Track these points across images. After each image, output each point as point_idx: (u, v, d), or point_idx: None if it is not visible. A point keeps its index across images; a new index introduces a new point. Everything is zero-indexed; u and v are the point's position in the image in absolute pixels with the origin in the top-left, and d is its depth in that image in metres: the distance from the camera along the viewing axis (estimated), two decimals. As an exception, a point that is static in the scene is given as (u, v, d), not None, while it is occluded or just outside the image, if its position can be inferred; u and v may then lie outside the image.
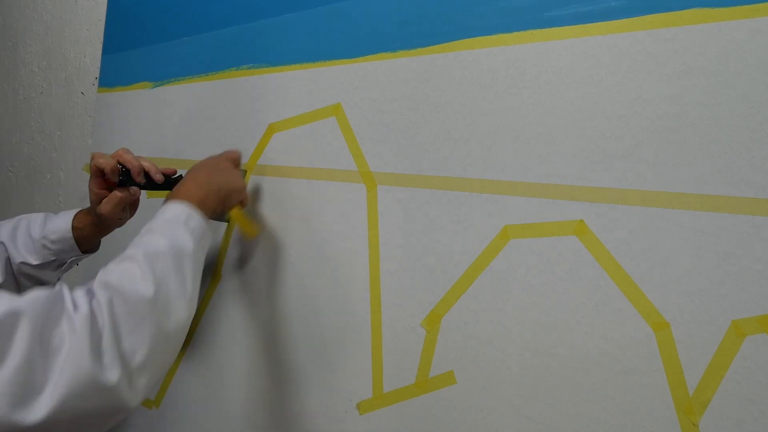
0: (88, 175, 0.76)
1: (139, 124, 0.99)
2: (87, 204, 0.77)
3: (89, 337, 0.47)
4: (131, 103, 1.01)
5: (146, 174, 0.74)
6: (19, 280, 0.78)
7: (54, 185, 1.22)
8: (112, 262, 0.57)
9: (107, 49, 1.08)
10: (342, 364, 0.70)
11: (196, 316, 0.87)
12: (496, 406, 0.58)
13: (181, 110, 0.92)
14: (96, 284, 0.53)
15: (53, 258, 0.77)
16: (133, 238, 0.62)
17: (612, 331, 0.52)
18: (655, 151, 0.51)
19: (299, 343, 0.75)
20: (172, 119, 0.94)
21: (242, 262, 0.82)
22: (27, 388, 0.44)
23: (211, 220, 0.69)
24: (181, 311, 0.57)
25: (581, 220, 0.54)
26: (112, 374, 0.48)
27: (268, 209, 0.80)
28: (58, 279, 0.81)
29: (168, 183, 0.76)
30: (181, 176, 0.76)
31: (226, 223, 0.84)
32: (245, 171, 0.82)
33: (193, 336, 0.88)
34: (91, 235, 0.78)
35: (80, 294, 0.51)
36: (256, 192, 0.82)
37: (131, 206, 0.79)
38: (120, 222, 0.77)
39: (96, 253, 0.82)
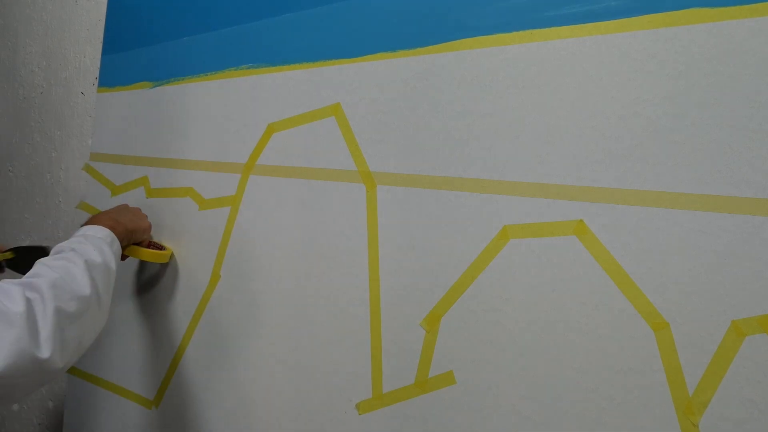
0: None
1: (139, 124, 0.99)
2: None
3: (27, 327, 0.57)
4: (131, 103, 1.01)
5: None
6: None
7: (54, 185, 1.22)
8: (53, 259, 0.69)
9: (107, 49, 1.08)
10: (341, 364, 0.70)
11: (194, 316, 0.87)
12: (496, 406, 0.58)
13: (181, 110, 0.92)
14: (41, 281, 0.63)
15: None
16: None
17: (612, 331, 0.52)
18: (655, 151, 0.50)
19: (298, 343, 0.75)
20: (172, 119, 0.94)
21: (241, 262, 0.82)
22: None
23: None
24: (102, 315, 0.71)
25: (581, 220, 0.54)
26: (47, 354, 0.58)
27: (267, 209, 0.80)
28: None
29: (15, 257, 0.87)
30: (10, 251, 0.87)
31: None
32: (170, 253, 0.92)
33: (192, 336, 0.88)
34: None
35: (18, 290, 0.60)
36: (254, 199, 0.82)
37: None
38: None
39: None
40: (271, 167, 0.80)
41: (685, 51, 0.50)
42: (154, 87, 0.97)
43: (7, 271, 0.86)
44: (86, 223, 0.81)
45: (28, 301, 0.59)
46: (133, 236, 0.85)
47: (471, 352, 0.60)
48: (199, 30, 0.91)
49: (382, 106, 0.69)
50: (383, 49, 0.69)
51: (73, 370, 1.06)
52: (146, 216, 0.91)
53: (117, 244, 0.79)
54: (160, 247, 0.91)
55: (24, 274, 0.71)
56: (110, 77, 1.06)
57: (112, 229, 0.80)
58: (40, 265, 0.68)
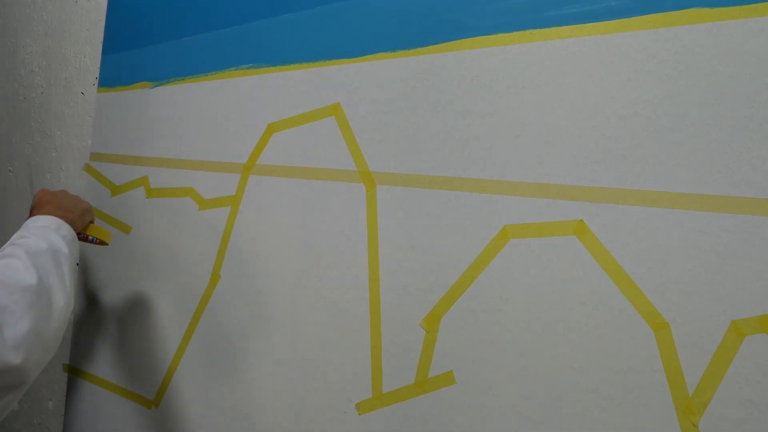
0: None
1: (139, 124, 0.99)
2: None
3: None
4: (131, 103, 1.01)
5: None
6: None
7: (54, 185, 1.22)
8: None
9: (107, 49, 1.08)
10: (341, 364, 0.70)
11: (194, 316, 0.87)
12: (496, 406, 0.58)
13: (181, 110, 0.93)
14: None
15: None
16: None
17: (612, 331, 0.52)
18: (655, 151, 0.50)
19: (298, 343, 0.75)
20: (172, 119, 0.94)
21: (240, 262, 0.82)
22: None
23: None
24: (61, 301, 0.66)
25: (581, 220, 0.54)
26: (10, 357, 0.56)
27: (267, 209, 0.80)
28: None
29: None
30: None
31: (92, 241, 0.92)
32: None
33: (192, 336, 0.88)
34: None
35: None
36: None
37: None
38: None
39: None
40: (271, 167, 0.80)
41: (685, 51, 0.50)
42: (154, 87, 0.97)
43: None
44: (29, 216, 0.78)
45: None
46: (85, 217, 0.84)
47: (471, 352, 0.60)
48: (199, 30, 0.91)
49: (382, 106, 0.69)
50: (383, 49, 0.69)
51: (73, 370, 1.07)
52: (79, 196, 0.90)
53: (66, 228, 0.76)
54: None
55: None
56: (110, 77, 1.06)
57: (62, 217, 0.78)
58: None
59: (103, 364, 1.01)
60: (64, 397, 1.09)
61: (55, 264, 0.68)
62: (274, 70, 0.81)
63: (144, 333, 0.94)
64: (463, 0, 0.63)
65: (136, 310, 0.96)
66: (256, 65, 0.83)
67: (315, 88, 0.76)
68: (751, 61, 0.47)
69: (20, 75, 1.32)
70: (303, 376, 0.74)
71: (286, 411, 0.75)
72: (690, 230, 0.48)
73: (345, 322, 0.70)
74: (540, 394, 0.55)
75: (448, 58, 0.64)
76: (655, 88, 0.51)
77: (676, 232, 0.49)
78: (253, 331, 0.80)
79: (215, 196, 0.86)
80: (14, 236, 0.71)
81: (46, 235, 0.71)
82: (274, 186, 0.79)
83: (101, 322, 1.02)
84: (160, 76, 0.97)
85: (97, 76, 1.11)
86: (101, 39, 1.09)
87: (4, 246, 0.69)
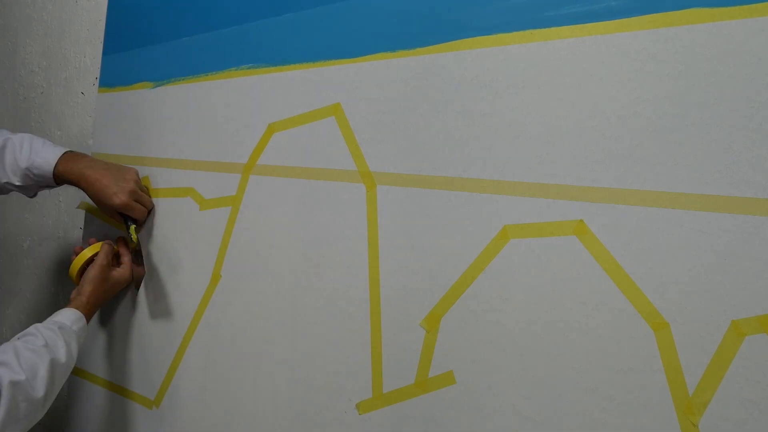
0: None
1: (139, 124, 0.99)
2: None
3: None
4: (131, 103, 1.01)
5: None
6: (3, 189, 0.92)
7: (54, 185, 1.22)
8: (24, 346, 0.72)
9: (107, 49, 1.08)
10: (341, 364, 0.70)
11: (195, 316, 0.87)
12: (496, 406, 0.58)
13: (181, 110, 0.92)
14: (4, 375, 0.67)
15: (33, 183, 0.90)
16: None
17: (612, 331, 0.52)
18: (655, 151, 0.50)
19: (298, 343, 0.75)
20: (172, 119, 0.94)
21: (241, 262, 0.82)
22: None
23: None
24: (44, 411, 0.74)
25: (581, 220, 0.54)
26: None
27: (267, 209, 0.80)
28: (35, 194, 0.95)
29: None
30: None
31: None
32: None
33: (193, 336, 0.88)
34: (69, 181, 0.89)
35: None
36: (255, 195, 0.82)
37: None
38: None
39: None
40: (271, 167, 0.80)
41: (685, 51, 0.50)
42: (155, 87, 0.97)
43: None
44: (73, 303, 0.85)
45: None
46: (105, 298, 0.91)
47: (471, 352, 0.60)
48: (199, 30, 0.91)
49: (382, 106, 0.69)
50: (383, 49, 0.69)
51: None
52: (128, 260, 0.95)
53: (85, 331, 0.84)
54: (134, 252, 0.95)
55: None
56: (110, 77, 1.06)
57: (87, 313, 0.84)
58: (12, 347, 0.71)
59: (104, 364, 1.01)
60: (65, 396, 1.09)
61: (61, 378, 0.77)
62: (274, 70, 0.81)
63: (145, 333, 0.95)
64: (463, 0, 0.63)
65: (137, 309, 0.96)
66: (256, 65, 0.83)
67: (315, 88, 0.76)
68: (751, 61, 0.47)
69: (20, 75, 1.32)
70: (303, 376, 0.74)
71: (286, 411, 0.75)
72: (690, 230, 0.48)
73: (345, 322, 0.70)
74: (540, 394, 0.55)
75: (448, 58, 0.64)
76: (655, 88, 0.51)
77: (676, 232, 0.49)
78: (253, 331, 0.80)
79: (216, 196, 0.86)
80: (49, 328, 0.77)
81: (71, 344, 0.78)
82: (274, 186, 0.79)
83: (102, 322, 1.02)
84: (160, 76, 0.97)
85: (97, 76, 1.11)
86: (101, 39, 1.09)
87: (38, 329, 0.76)
